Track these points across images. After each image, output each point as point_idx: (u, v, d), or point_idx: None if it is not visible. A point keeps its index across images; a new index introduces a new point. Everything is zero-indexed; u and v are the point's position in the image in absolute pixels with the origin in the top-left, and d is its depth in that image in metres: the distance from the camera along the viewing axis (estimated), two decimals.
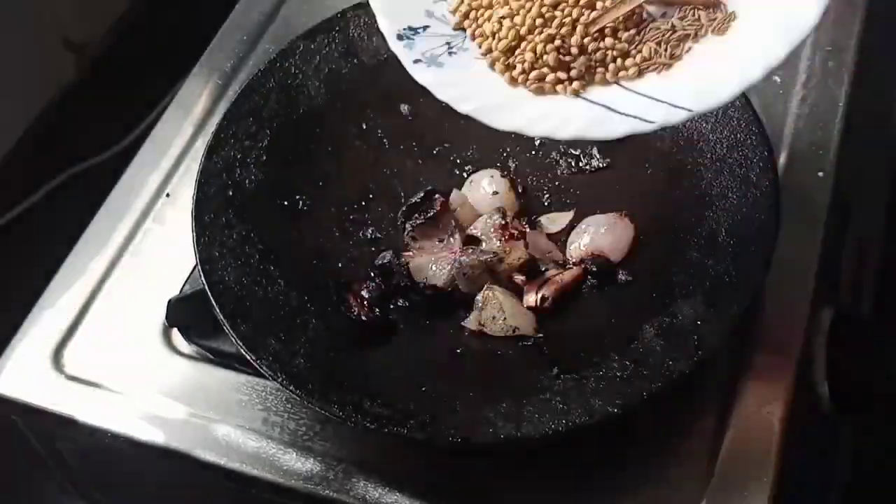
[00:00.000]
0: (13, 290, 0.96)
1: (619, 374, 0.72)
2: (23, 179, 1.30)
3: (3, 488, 1.18)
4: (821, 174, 0.89)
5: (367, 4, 0.92)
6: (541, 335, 0.77)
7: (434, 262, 0.78)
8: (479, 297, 0.77)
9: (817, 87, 0.94)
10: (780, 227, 0.76)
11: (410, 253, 0.80)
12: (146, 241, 0.91)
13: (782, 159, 0.89)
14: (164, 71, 1.32)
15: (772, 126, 0.90)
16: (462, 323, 0.78)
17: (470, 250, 0.79)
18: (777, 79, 0.95)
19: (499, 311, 0.76)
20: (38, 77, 1.33)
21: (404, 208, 0.82)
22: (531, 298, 0.77)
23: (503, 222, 0.80)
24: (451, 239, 0.80)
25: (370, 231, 0.85)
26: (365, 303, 0.77)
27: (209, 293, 0.76)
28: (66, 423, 0.82)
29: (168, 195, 0.93)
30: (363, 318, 0.76)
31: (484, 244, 0.80)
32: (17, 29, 1.26)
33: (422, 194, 0.81)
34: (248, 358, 0.74)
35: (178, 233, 0.86)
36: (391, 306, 0.79)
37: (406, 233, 0.81)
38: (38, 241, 1.08)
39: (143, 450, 0.80)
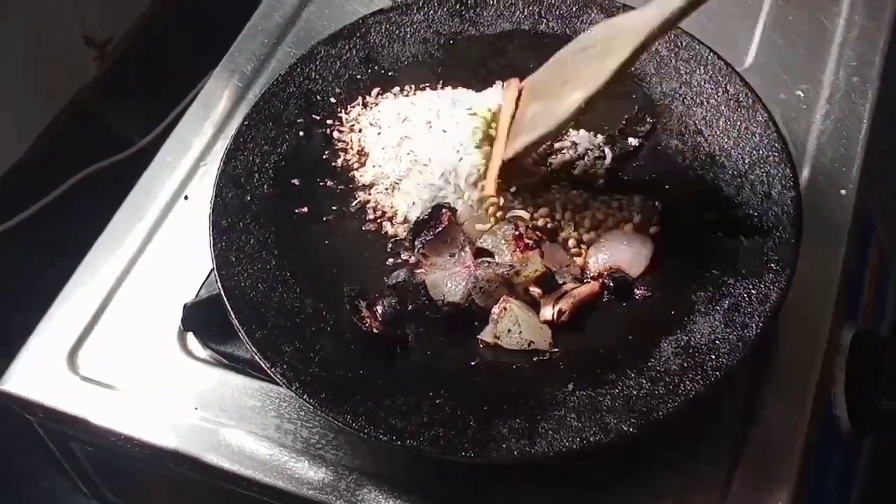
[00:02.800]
0: (29, 290, 0.96)
1: (634, 391, 0.71)
2: (41, 177, 1.30)
3: (17, 487, 1.19)
4: (843, 192, 0.88)
5: (389, 10, 0.93)
6: (556, 350, 0.76)
7: (449, 278, 0.77)
8: (495, 310, 0.77)
9: (841, 103, 0.93)
10: (802, 245, 0.76)
11: (423, 270, 0.79)
12: (163, 243, 0.91)
13: (805, 175, 0.88)
14: (185, 70, 1.33)
15: (794, 142, 0.90)
16: (478, 335, 0.77)
17: (485, 263, 0.78)
18: (801, 94, 0.94)
19: (514, 325, 0.75)
20: (59, 74, 1.33)
21: (412, 226, 0.81)
22: (548, 312, 0.77)
23: (517, 233, 0.79)
24: (462, 253, 0.79)
25: (389, 244, 0.83)
26: (378, 317, 0.77)
27: (225, 298, 0.76)
28: (79, 424, 0.82)
29: (186, 198, 0.93)
30: (374, 330, 0.76)
31: (496, 256, 0.79)
32: (38, 26, 1.26)
33: (429, 210, 0.80)
34: (263, 365, 0.73)
35: (196, 236, 0.86)
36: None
37: (416, 250, 0.80)
38: (55, 241, 1.08)
39: (154, 452, 0.80)
